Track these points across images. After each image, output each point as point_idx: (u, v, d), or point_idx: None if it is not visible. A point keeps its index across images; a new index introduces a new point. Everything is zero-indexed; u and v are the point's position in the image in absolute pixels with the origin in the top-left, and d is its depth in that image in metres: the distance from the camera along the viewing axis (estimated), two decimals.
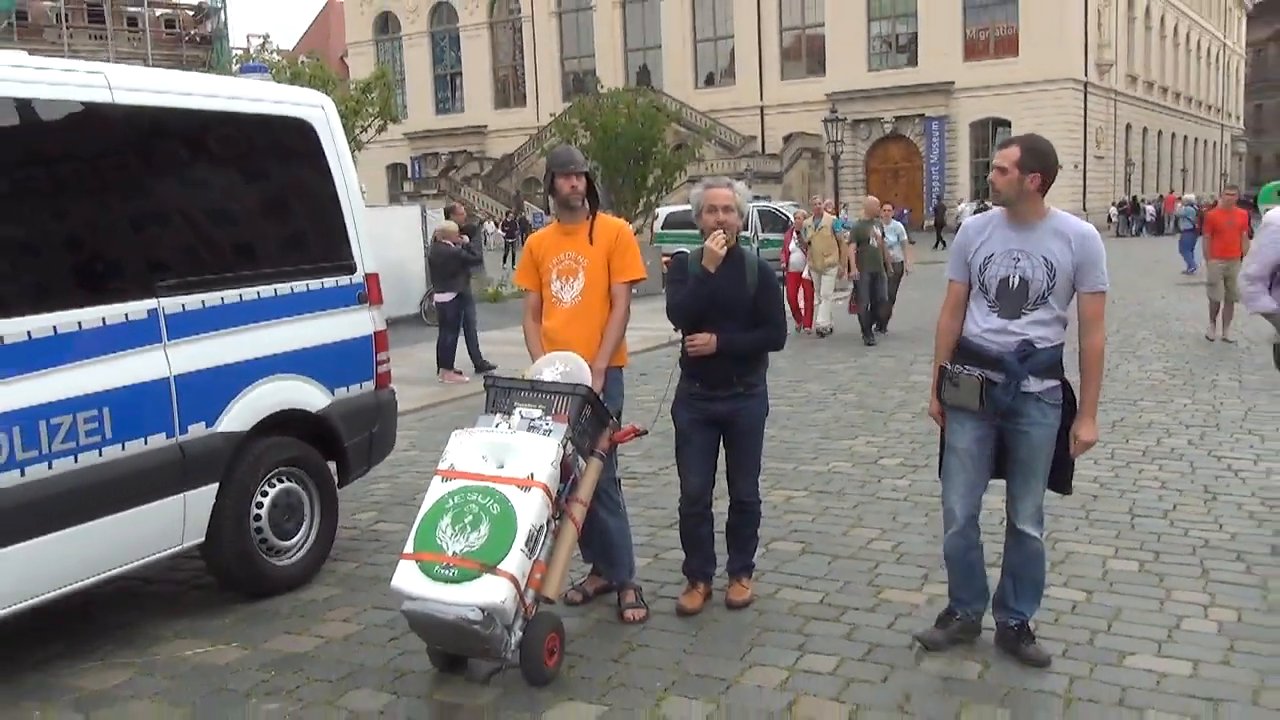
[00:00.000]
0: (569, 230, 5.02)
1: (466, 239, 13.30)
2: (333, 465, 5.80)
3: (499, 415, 4.55)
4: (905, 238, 16.39)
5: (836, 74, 51.36)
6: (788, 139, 51.42)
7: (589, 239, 4.97)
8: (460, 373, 12.37)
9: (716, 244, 4.74)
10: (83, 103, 4.73)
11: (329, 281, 5.74)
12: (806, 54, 53.61)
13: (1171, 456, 7.66)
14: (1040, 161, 4.15)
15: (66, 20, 60.78)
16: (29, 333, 4.32)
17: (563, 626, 4.40)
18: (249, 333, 5.25)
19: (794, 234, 16.32)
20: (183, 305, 4.95)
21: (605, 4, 57.86)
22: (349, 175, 5.99)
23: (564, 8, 59.56)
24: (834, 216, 15.82)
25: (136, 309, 4.76)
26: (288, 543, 5.44)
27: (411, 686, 4.30)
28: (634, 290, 5.09)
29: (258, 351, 5.28)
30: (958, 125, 49.60)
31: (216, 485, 5.06)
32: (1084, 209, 48.02)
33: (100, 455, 4.56)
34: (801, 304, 15.76)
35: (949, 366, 4.36)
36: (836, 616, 4.88)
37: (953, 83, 49.01)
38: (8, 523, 4.18)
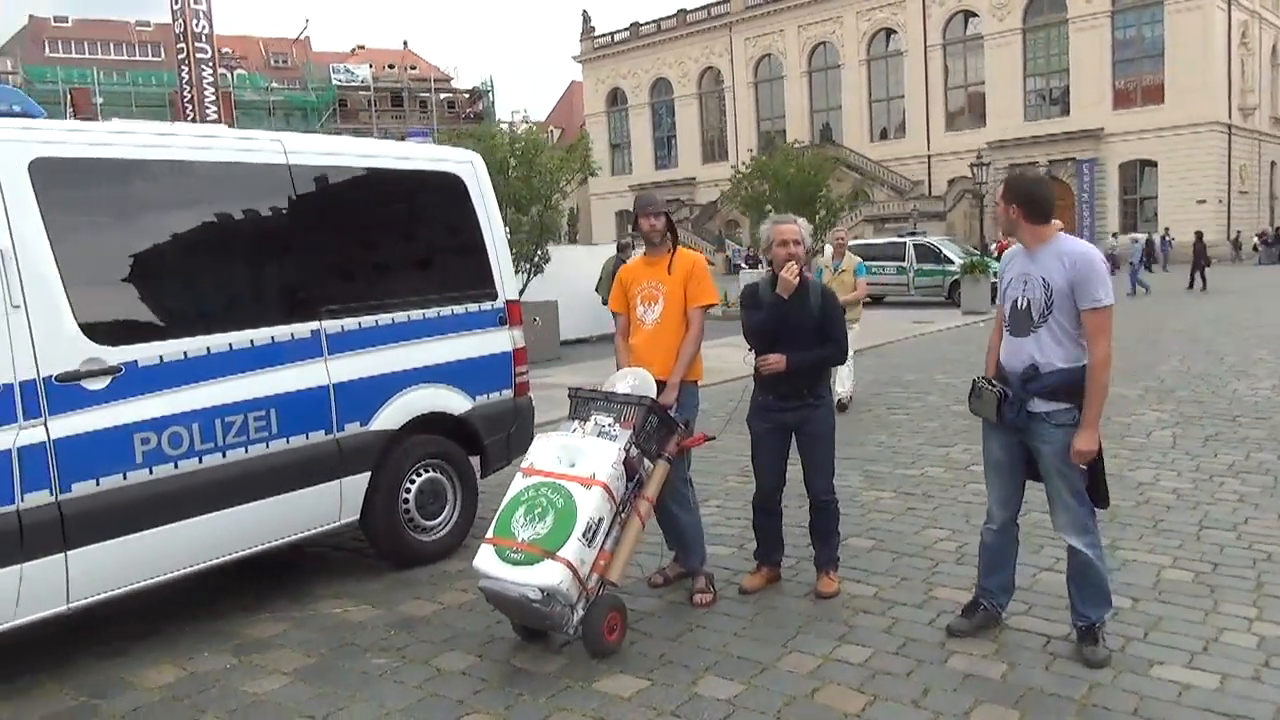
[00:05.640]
0: (652, 262, 4.79)
1: None
2: (476, 460, 5.75)
3: (577, 421, 4.35)
4: None
5: (996, 124, 48.77)
6: (951, 183, 49.09)
7: (668, 270, 4.71)
8: None
9: (791, 274, 4.42)
10: (265, 164, 4.82)
11: (471, 307, 5.66)
12: (969, 108, 51.06)
13: (1257, 470, 6.66)
14: (1016, 195, 3.69)
15: (375, 105, 65.20)
16: (208, 348, 4.41)
17: (624, 607, 4.15)
18: (398, 349, 5.21)
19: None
20: (341, 327, 4.96)
21: (794, 74, 56.98)
22: (494, 217, 5.90)
23: (759, 78, 59.03)
24: (858, 259, 9.94)
25: (301, 329, 4.80)
26: (432, 522, 5.40)
27: (497, 651, 4.14)
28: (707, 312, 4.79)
29: (406, 364, 5.23)
30: (1107, 167, 46.07)
31: (369, 473, 5.05)
32: (1229, 239, 43.85)
33: (267, 448, 4.60)
34: None
35: (978, 380, 3.89)
36: (883, 610, 4.41)
37: (1102, 129, 45.64)
38: (185, 500, 4.25)
